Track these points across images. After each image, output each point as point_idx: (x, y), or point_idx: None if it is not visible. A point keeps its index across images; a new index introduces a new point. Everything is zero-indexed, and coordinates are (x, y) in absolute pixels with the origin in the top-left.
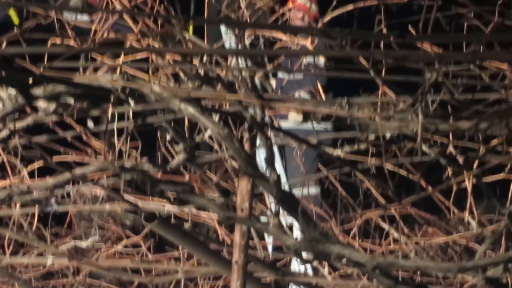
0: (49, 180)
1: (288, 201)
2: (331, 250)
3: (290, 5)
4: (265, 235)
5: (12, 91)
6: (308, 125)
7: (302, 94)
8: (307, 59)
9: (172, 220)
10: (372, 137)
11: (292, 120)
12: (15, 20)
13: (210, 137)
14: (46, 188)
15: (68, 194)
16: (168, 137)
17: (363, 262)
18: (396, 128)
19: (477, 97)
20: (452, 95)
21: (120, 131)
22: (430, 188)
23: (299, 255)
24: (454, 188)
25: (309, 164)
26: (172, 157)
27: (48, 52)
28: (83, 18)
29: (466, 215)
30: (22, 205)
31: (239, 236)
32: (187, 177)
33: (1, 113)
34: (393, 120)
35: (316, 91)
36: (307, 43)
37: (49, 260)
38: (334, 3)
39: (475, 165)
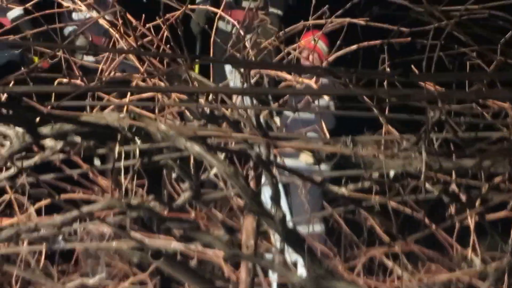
0: (56, 218)
1: (293, 239)
2: (336, 287)
3: (304, 41)
4: (270, 272)
5: (20, 129)
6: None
7: (309, 133)
8: (317, 102)
9: (178, 257)
10: (376, 175)
11: (303, 161)
12: (35, 59)
13: (216, 175)
14: (53, 226)
15: (75, 232)
16: (174, 175)
17: None
18: (399, 166)
19: (479, 135)
20: (455, 133)
21: (127, 169)
22: (433, 226)
23: None
24: (457, 225)
25: (313, 202)
26: (178, 194)
27: (55, 91)
28: (89, 58)
29: (469, 252)
30: (30, 243)
31: (245, 273)
32: (193, 215)
33: (9, 152)
34: (396, 158)
35: (321, 129)
36: (312, 82)
37: None
38: (339, 42)
39: (477, 202)
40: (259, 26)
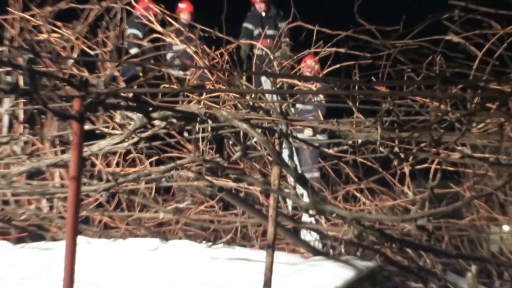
0: (161, 167)
1: (301, 180)
2: (327, 209)
3: (303, 64)
4: (287, 200)
5: (139, 114)
6: (315, 137)
7: (311, 117)
8: (315, 98)
9: (233, 191)
10: (350, 142)
11: (306, 134)
12: (140, 74)
13: (255, 142)
14: (159, 172)
15: (173, 176)
16: (231, 142)
17: (345, 216)
18: (364, 137)
19: (412, 118)
20: (398, 117)
21: (203, 139)
22: (384, 172)
23: (307, 212)
24: (398, 172)
25: (313, 159)
26: (233, 153)
27: (161, 92)
28: (181, 72)
29: (405, 188)
30: (146, 182)
31: (273, 200)
32: (242, 166)
33: (133, 128)
34: (362, 132)
35: (318, 115)
36: (313, 86)
37: (161, 215)
38: (329, 63)
39: (410, 158)
40: (281, 51)
